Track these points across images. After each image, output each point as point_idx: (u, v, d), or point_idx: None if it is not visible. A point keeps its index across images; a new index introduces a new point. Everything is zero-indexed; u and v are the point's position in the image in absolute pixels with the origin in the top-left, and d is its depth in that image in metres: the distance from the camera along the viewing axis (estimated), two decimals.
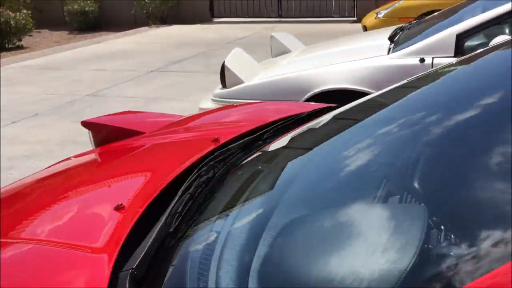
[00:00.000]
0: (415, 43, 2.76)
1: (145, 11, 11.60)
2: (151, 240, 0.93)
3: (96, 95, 5.51)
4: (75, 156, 1.96)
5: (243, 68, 3.30)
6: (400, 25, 3.61)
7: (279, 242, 0.88)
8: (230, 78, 3.23)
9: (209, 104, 3.28)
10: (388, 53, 2.81)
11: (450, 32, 2.66)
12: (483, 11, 2.70)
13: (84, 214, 1.31)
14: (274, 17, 12.30)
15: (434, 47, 2.67)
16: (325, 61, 3.00)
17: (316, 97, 2.81)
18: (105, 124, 2.15)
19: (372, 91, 2.69)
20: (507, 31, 2.74)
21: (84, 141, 2.36)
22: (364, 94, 2.66)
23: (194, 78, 6.11)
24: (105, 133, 2.09)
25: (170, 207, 1.05)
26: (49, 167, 1.84)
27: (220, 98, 3.23)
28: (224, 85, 3.27)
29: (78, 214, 1.32)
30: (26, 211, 1.41)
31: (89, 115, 2.96)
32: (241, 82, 3.21)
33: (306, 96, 2.85)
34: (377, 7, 11.25)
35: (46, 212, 1.37)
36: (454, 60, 2.50)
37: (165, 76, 6.29)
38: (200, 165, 1.25)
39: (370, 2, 11.43)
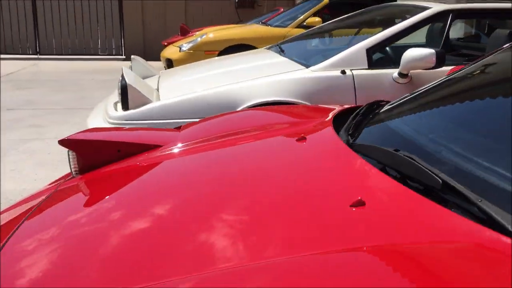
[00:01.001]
0: (330, 57, 2.97)
1: None
2: None
3: None
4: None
5: (142, 87, 2.97)
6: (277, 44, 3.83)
7: None
8: (135, 98, 2.86)
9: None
10: (307, 67, 2.95)
11: (360, 46, 2.97)
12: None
13: None
14: (31, 54, 11.20)
15: (350, 60, 2.94)
16: (243, 77, 2.94)
17: None
18: (99, 141, 1.70)
19: (303, 102, 2.79)
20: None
21: None
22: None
23: None
24: (96, 152, 1.66)
25: None
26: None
27: (124, 120, 2.82)
28: (126, 107, 2.87)
29: None
30: None
31: None
32: (148, 102, 2.87)
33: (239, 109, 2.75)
34: (145, 48, 11.49)
35: None
36: (366, 72, 2.83)
37: None
38: None
39: (138, 42, 11.55)
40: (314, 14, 6.83)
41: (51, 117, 5.39)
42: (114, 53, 11.68)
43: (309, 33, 4.15)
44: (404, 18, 3.11)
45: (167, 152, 1.64)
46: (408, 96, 1.63)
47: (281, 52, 3.52)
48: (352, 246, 0.85)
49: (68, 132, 4.73)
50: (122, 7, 11.35)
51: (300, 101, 2.78)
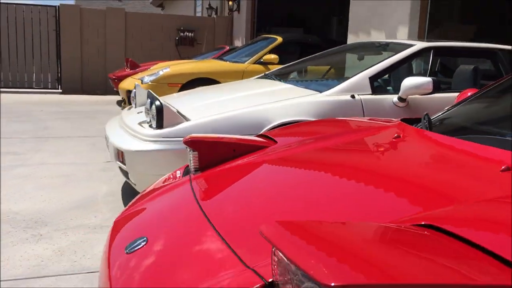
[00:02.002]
0: (338, 84, 3.41)
1: None
2: None
3: None
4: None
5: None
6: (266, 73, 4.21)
7: None
8: (169, 118, 3.08)
9: (141, 145, 3.02)
10: (321, 92, 3.35)
11: (363, 75, 3.44)
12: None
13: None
14: None
15: (356, 86, 3.39)
16: (261, 100, 3.27)
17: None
18: (219, 141, 1.97)
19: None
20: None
21: None
22: None
23: None
24: (214, 151, 1.93)
25: None
26: None
27: (161, 137, 3.02)
28: (160, 126, 3.07)
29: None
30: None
31: None
32: (181, 121, 3.10)
33: (266, 128, 3.07)
34: (83, 82, 11.36)
35: None
36: (371, 97, 3.29)
37: None
38: None
39: (76, 75, 11.43)
40: (270, 52, 7.33)
41: (24, 145, 5.31)
42: (50, 86, 11.43)
43: (296, 64, 4.60)
44: (392, 53, 3.64)
45: (278, 151, 1.93)
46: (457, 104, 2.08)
47: (280, 80, 3.91)
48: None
49: (51, 158, 4.73)
50: (59, 41, 11.22)
51: (311, 119, 3.16)
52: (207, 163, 1.92)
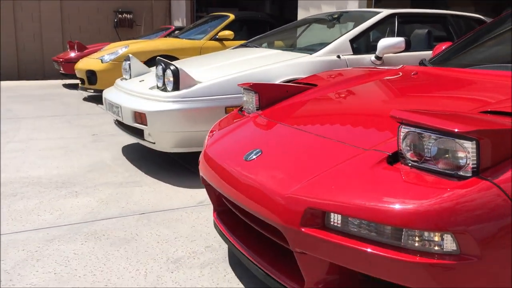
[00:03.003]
0: (325, 47, 3.90)
1: None
2: None
3: None
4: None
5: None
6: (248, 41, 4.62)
7: None
8: (185, 80, 3.41)
9: (162, 106, 3.33)
10: (311, 54, 3.83)
11: (344, 38, 3.96)
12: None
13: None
14: None
15: (339, 48, 3.90)
16: (262, 63, 3.69)
17: None
18: (270, 85, 2.39)
19: None
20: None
21: None
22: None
23: None
24: (271, 93, 2.36)
25: None
26: None
27: (179, 98, 3.35)
28: (176, 87, 3.40)
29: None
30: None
31: None
32: (195, 83, 3.45)
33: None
34: (19, 68, 11.04)
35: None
36: (353, 56, 3.83)
37: None
38: None
39: (12, 62, 11.08)
40: (224, 28, 7.67)
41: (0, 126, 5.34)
42: None
43: (268, 35, 5.03)
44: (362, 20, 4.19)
45: (321, 91, 2.38)
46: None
47: (265, 47, 4.34)
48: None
49: (36, 134, 4.84)
50: None
51: None
52: (266, 102, 2.33)
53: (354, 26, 4.14)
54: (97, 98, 7.68)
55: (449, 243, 1.23)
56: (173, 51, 7.22)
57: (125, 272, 2.12)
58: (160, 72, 3.55)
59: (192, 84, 3.43)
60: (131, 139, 4.68)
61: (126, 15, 12.39)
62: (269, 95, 2.34)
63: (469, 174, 1.28)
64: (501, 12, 7.53)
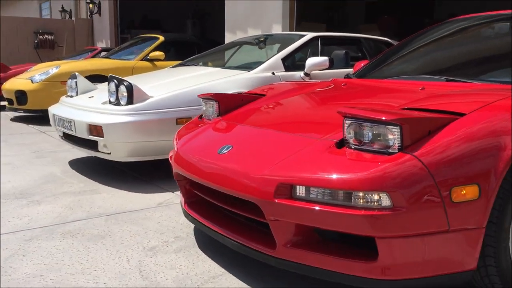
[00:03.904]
0: (260, 65, 4.39)
1: None
2: None
3: None
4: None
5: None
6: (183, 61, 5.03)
7: None
8: (138, 95, 3.73)
9: (118, 119, 3.63)
10: (249, 71, 4.30)
11: (277, 57, 4.48)
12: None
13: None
14: None
15: (273, 66, 4.41)
16: (206, 79, 4.10)
17: None
18: (228, 95, 2.83)
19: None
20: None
21: None
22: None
23: None
24: (229, 102, 2.82)
25: None
26: None
27: (134, 111, 3.66)
28: (130, 102, 3.71)
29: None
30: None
31: None
32: (147, 97, 3.78)
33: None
34: None
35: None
36: (285, 73, 4.37)
37: None
38: None
39: None
40: (154, 49, 7.99)
41: None
42: None
43: (202, 56, 5.46)
44: (292, 41, 4.76)
45: (270, 99, 2.85)
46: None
47: (205, 65, 4.77)
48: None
49: None
50: None
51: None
52: (225, 109, 2.74)
53: (283, 47, 4.68)
54: (26, 119, 7.64)
55: (385, 200, 1.71)
56: (105, 70, 7.40)
57: (108, 259, 2.41)
58: (113, 88, 3.84)
59: (144, 98, 3.76)
60: (76, 154, 4.87)
61: (47, 36, 12.28)
62: (227, 103, 2.75)
63: (396, 151, 1.78)
64: (403, 36, 8.55)
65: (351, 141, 1.90)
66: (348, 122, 1.90)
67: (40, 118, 7.42)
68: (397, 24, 10.50)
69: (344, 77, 3.40)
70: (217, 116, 2.74)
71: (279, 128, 2.28)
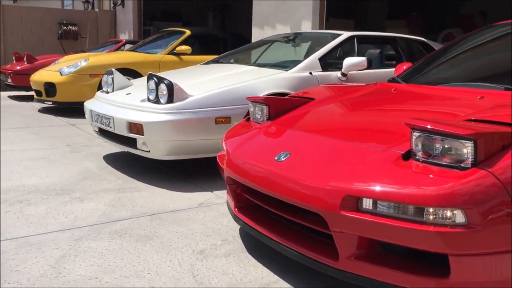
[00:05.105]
0: (297, 64, 4.35)
1: None
2: None
3: None
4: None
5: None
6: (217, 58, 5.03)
7: None
8: (178, 93, 3.72)
9: (158, 117, 3.62)
10: (286, 70, 4.27)
11: (314, 56, 4.44)
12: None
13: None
14: None
15: (310, 66, 4.37)
16: (245, 78, 4.08)
17: None
18: (278, 98, 2.80)
19: (291, 91, 4.10)
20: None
21: None
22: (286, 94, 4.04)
23: None
24: (279, 105, 2.78)
25: None
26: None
27: (175, 110, 3.66)
28: (170, 100, 3.70)
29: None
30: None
31: None
32: (188, 96, 3.77)
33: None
34: None
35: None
36: (322, 73, 4.32)
37: None
38: None
39: None
40: (180, 43, 7.97)
41: None
42: None
43: (233, 53, 5.44)
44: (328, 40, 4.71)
45: (320, 103, 2.81)
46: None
47: (240, 63, 4.74)
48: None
49: (8, 146, 4.90)
50: None
51: (289, 91, 4.08)
52: (275, 113, 2.72)
53: (315, 46, 4.64)
54: (53, 110, 7.70)
55: (459, 217, 1.67)
56: (132, 64, 7.42)
57: (160, 262, 2.41)
58: (153, 86, 3.83)
59: (184, 97, 3.75)
60: (109, 149, 4.88)
61: (71, 27, 12.32)
62: (277, 107, 2.73)
63: (469, 166, 1.74)
64: (429, 33, 8.41)
65: (419, 154, 1.87)
66: (416, 134, 1.87)
67: (67, 110, 7.46)
68: (423, 21, 10.37)
69: (389, 81, 3.35)
70: (267, 120, 2.71)
71: (336, 136, 2.25)
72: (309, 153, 2.15)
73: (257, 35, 7.80)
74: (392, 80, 3.27)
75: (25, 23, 11.76)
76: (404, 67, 3.59)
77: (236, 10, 13.68)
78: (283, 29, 7.24)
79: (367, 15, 10.53)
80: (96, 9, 13.52)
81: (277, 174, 2.11)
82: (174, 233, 2.79)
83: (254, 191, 2.31)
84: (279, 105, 2.74)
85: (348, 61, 4.35)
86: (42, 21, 12.06)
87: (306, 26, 6.92)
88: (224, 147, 2.65)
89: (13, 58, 9.88)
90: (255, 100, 2.74)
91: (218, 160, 2.76)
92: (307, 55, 4.52)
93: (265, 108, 2.71)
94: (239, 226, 2.83)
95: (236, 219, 2.53)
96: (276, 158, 2.19)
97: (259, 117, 2.76)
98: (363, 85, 3.21)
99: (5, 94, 9.92)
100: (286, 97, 2.86)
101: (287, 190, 2.02)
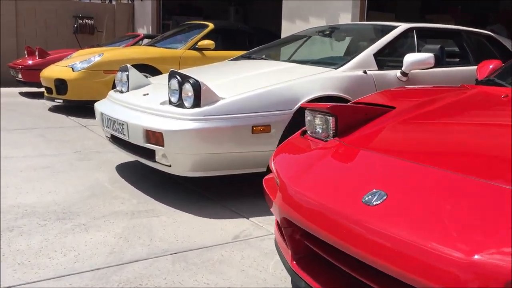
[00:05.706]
0: (348, 61, 3.61)
1: None
2: None
3: None
4: None
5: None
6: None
7: None
8: (207, 96, 3.02)
9: (182, 125, 2.93)
10: (336, 68, 3.53)
11: (368, 52, 3.69)
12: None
13: None
14: None
15: (364, 63, 3.62)
16: (283, 77, 3.35)
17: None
18: (348, 106, 2.09)
19: (343, 94, 3.38)
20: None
21: None
22: (338, 98, 3.31)
23: None
24: (349, 116, 2.06)
25: None
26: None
27: (202, 116, 2.96)
28: (197, 104, 3.00)
29: None
30: None
31: None
32: (218, 99, 3.06)
33: (299, 103, 3.16)
34: None
35: None
36: (378, 72, 3.57)
37: None
38: None
39: None
40: (203, 38, 7.27)
41: None
42: None
43: (267, 47, 4.72)
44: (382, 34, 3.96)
45: (404, 114, 2.08)
46: None
47: (276, 59, 4.02)
48: None
49: (10, 152, 4.29)
50: None
51: (341, 94, 3.35)
52: (343, 127, 1.99)
53: (362, 41, 3.90)
54: (65, 109, 7.07)
55: None
56: (150, 60, 6.76)
57: None
58: (175, 86, 3.14)
59: (214, 100, 3.04)
60: (123, 157, 4.21)
61: (87, 21, 11.72)
62: (347, 119, 2.00)
63: None
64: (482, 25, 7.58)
65: None
66: None
67: (80, 109, 6.83)
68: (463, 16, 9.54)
69: (477, 83, 2.61)
70: (333, 136, 1.99)
71: (448, 166, 1.52)
72: (415, 194, 1.43)
73: (287, 29, 7.07)
74: (485, 83, 2.53)
75: (39, 16, 11.18)
76: (491, 66, 2.85)
77: (259, 4, 12.94)
78: (318, 23, 6.49)
79: (407, 8, 9.74)
80: (114, 2, 12.92)
81: (369, 227, 1.38)
82: (204, 285, 2.09)
83: (324, 241, 1.59)
84: (349, 116, 2.01)
85: (410, 58, 3.60)
86: (56, 14, 11.48)
87: (345, 20, 6.17)
88: (275, 171, 1.94)
89: (25, 52, 9.29)
90: (317, 109, 2.02)
91: (264, 186, 2.06)
92: (359, 50, 3.77)
93: (331, 120, 1.98)
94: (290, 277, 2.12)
95: (293, 275, 1.81)
96: (364, 200, 1.47)
97: (320, 132, 2.04)
98: (449, 88, 2.47)
99: (16, 90, 9.33)
100: (358, 105, 2.12)
101: (384, 252, 1.31)
